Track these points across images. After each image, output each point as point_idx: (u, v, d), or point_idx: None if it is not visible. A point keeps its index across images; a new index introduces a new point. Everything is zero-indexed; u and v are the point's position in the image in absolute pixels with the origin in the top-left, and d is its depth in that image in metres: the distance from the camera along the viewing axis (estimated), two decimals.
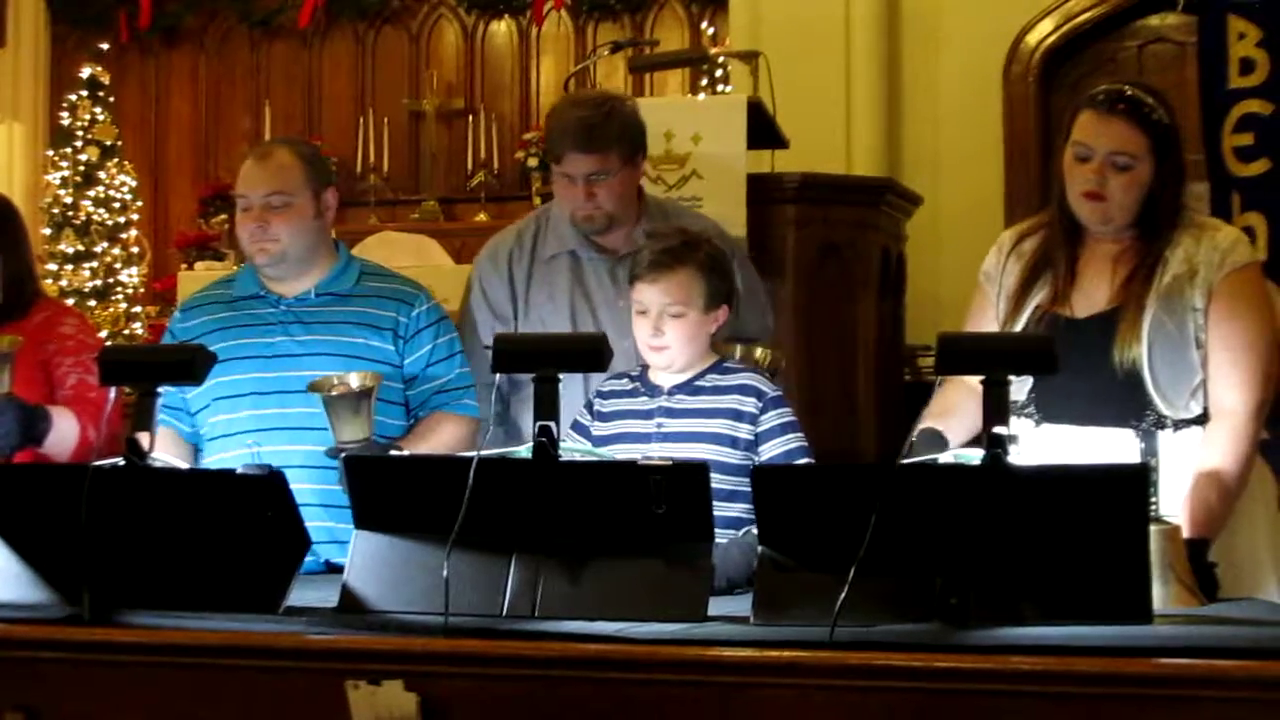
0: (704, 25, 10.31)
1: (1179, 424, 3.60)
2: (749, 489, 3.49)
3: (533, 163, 10.58)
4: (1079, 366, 3.50)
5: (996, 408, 2.82)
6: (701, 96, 9.05)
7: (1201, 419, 3.62)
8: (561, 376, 3.06)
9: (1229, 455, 3.55)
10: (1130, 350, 3.57)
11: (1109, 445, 3.56)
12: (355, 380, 3.79)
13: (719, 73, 9.22)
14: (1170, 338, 3.60)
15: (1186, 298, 3.60)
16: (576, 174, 4.19)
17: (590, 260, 4.34)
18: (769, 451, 3.72)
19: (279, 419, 4.00)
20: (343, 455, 3.74)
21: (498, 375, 4.03)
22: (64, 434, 4.17)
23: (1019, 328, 3.68)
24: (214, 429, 4.11)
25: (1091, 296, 3.68)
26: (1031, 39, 8.68)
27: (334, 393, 3.76)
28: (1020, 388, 3.57)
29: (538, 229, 4.44)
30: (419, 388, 4.13)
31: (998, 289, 3.79)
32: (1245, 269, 3.66)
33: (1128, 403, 3.59)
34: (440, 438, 4.06)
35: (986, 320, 3.79)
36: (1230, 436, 3.57)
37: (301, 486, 3.79)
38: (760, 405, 3.75)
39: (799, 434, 3.77)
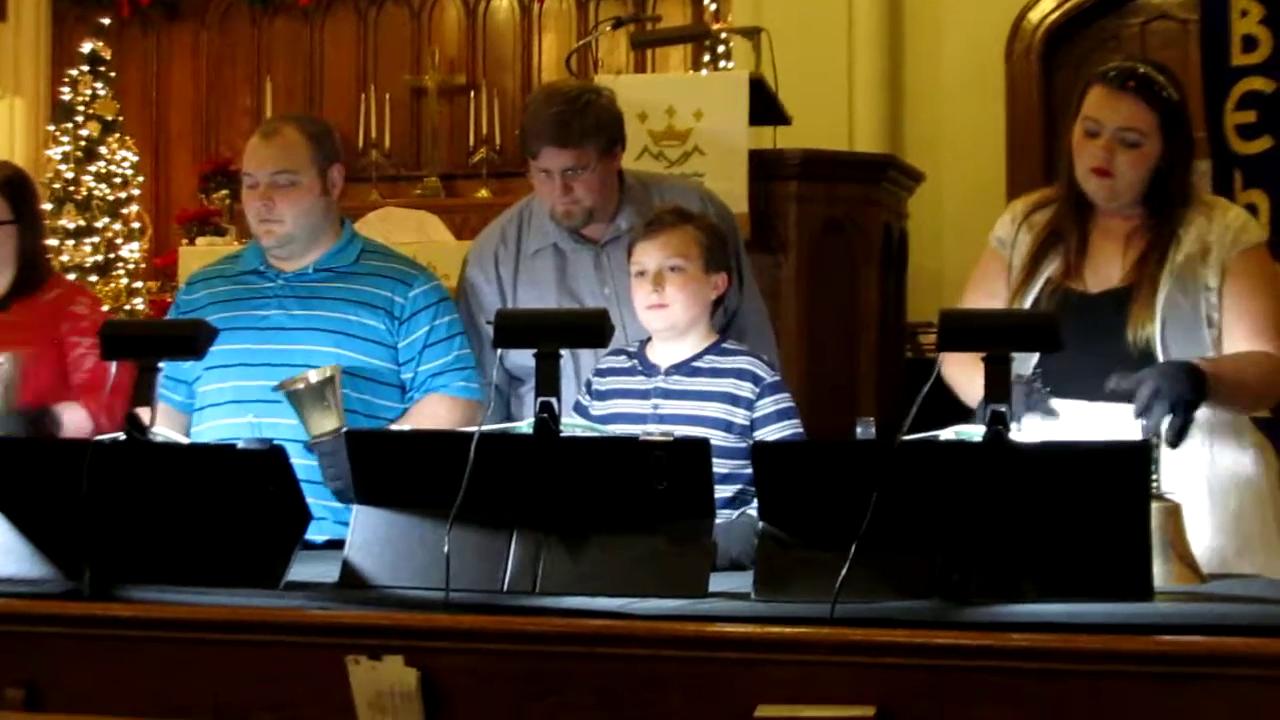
0: (706, 1, 10.29)
1: None
2: (744, 471, 3.52)
3: None
4: (1090, 341, 3.50)
5: (997, 385, 2.81)
6: (704, 73, 9.05)
7: None
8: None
9: (1267, 373, 3.59)
10: (1145, 328, 3.59)
11: (1116, 420, 3.56)
12: (315, 374, 3.81)
13: (721, 49, 9.21)
14: (1184, 316, 3.62)
15: (1200, 276, 3.62)
16: (553, 169, 4.17)
17: (573, 251, 4.32)
18: (764, 438, 3.70)
19: (266, 391, 3.99)
20: (318, 448, 3.77)
21: (494, 377, 4.05)
22: (74, 430, 4.18)
23: (1029, 299, 3.69)
24: (203, 398, 4.15)
25: (1103, 272, 3.69)
26: (1034, 16, 8.68)
27: (295, 388, 3.78)
28: (1025, 361, 3.58)
29: (521, 223, 4.42)
30: (415, 369, 4.12)
31: (1010, 254, 3.79)
32: (1257, 248, 3.70)
33: None
34: (433, 422, 4.05)
35: (998, 285, 3.79)
36: (1269, 359, 3.60)
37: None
38: (757, 390, 3.74)
39: (795, 420, 3.76)
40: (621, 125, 4.30)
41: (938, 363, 2.98)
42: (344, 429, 3.67)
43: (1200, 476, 3.58)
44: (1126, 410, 3.53)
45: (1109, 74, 3.68)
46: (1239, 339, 3.63)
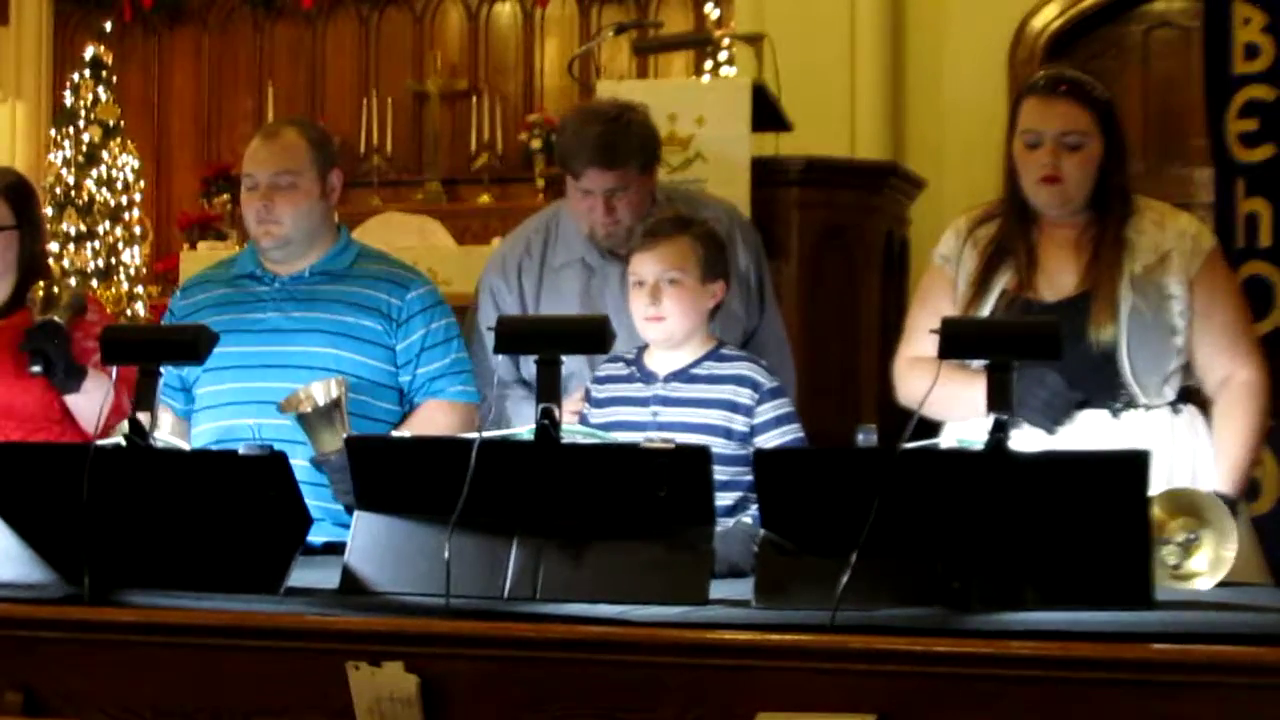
0: (708, 7, 10.28)
1: (1150, 408, 3.68)
2: (744, 479, 3.52)
3: (536, 144, 10.57)
4: None
5: (999, 393, 2.81)
6: (706, 79, 9.04)
7: (1174, 405, 3.71)
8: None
9: (1255, 419, 3.66)
10: (1104, 331, 3.64)
11: (1085, 428, 3.59)
12: (321, 393, 3.81)
13: (723, 55, 9.20)
14: (1148, 326, 3.67)
15: (1162, 286, 3.68)
16: (596, 189, 4.18)
17: (601, 267, 4.33)
18: (765, 444, 3.70)
19: (263, 393, 4.01)
20: (326, 465, 3.75)
21: (497, 381, 4.04)
22: (99, 393, 4.17)
23: (984, 312, 3.72)
24: (200, 400, 4.16)
25: (1057, 281, 3.74)
26: (1037, 23, 8.67)
27: (303, 409, 3.77)
28: None
29: (547, 236, 4.42)
30: (413, 372, 4.12)
31: (956, 270, 3.82)
32: (1215, 253, 3.79)
33: (1101, 385, 3.65)
34: (432, 429, 4.04)
35: (943, 303, 3.82)
36: (1255, 403, 3.67)
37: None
38: (757, 397, 3.74)
39: (795, 425, 3.76)
40: (658, 142, 4.34)
41: (937, 371, 2.98)
42: None
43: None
44: (1089, 415, 3.63)
45: (1038, 84, 3.78)
46: (1210, 352, 3.71)
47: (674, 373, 3.78)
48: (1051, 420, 3.55)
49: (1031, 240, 3.76)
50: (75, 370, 4.10)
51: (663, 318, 3.75)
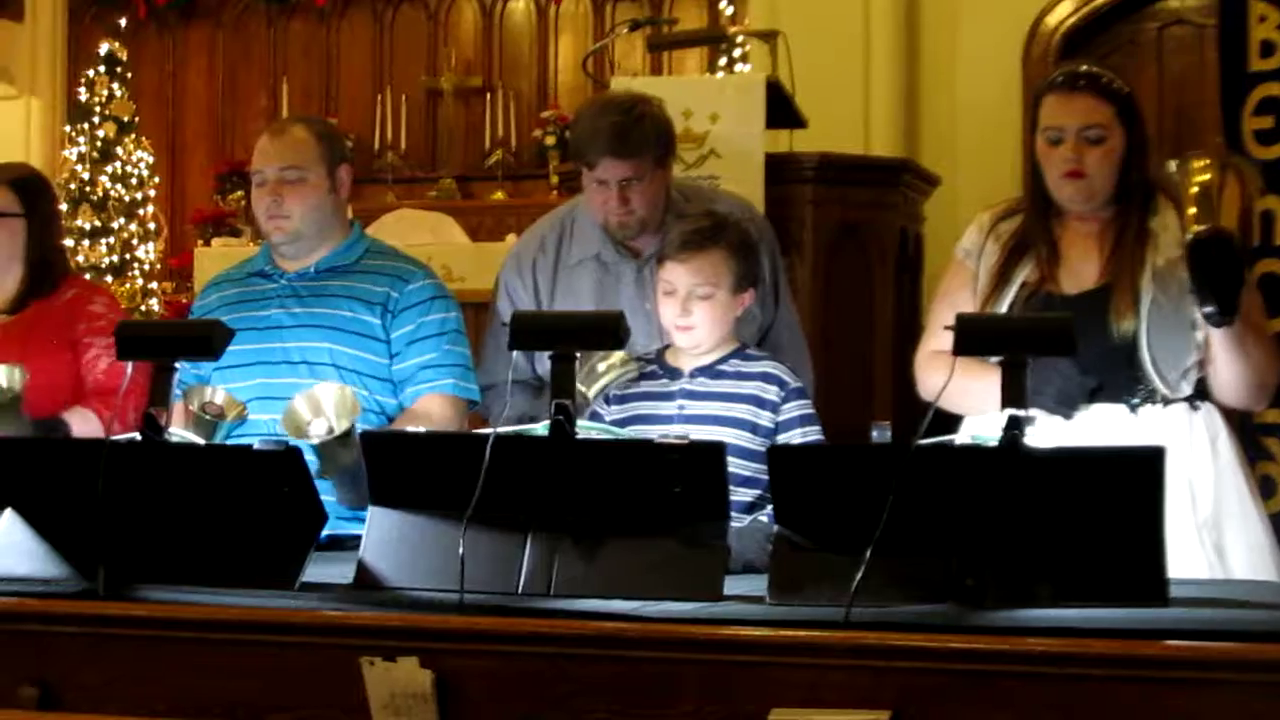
0: (723, 4, 10.28)
1: (1169, 402, 3.69)
2: (766, 476, 3.51)
3: (550, 141, 10.57)
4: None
5: (1014, 389, 2.81)
6: (720, 75, 9.03)
7: (1192, 401, 3.71)
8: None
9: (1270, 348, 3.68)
10: (1125, 322, 3.65)
11: (1103, 422, 3.59)
12: (331, 402, 3.58)
13: (738, 52, 9.19)
14: (1167, 318, 3.67)
15: (1184, 280, 3.65)
16: (610, 179, 4.17)
17: (615, 264, 4.32)
18: (789, 442, 3.70)
19: (263, 389, 4.04)
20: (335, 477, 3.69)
21: (510, 377, 4.04)
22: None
23: (1004, 305, 3.73)
24: None
25: (1079, 275, 3.75)
26: (1051, 20, 8.65)
27: (313, 435, 3.56)
28: None
29: (562, 233, 4.42)
30: (402, 363, 4.12)
31: (977, 265, 3.83)
32: None
33: (1121, 378, 3.67)
34: (427, 423, 4.02)
35: (964, 296, 3.82)
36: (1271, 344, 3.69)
37: None
38: (782, 394, 3.74)
39: (817, 427, 3.77)
40: (673, 135, 4.32)
41: (952, 366, 2.98)
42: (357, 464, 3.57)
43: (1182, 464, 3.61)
44: (1108, 410, 3.63)
45: (1057, 80, 3.78)
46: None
47: (699, 368, 3.78)
48: (1068, 407, 3.56)
49: (1054, 234, 3.77)
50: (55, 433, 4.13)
51: (692, 327, 3.75)
